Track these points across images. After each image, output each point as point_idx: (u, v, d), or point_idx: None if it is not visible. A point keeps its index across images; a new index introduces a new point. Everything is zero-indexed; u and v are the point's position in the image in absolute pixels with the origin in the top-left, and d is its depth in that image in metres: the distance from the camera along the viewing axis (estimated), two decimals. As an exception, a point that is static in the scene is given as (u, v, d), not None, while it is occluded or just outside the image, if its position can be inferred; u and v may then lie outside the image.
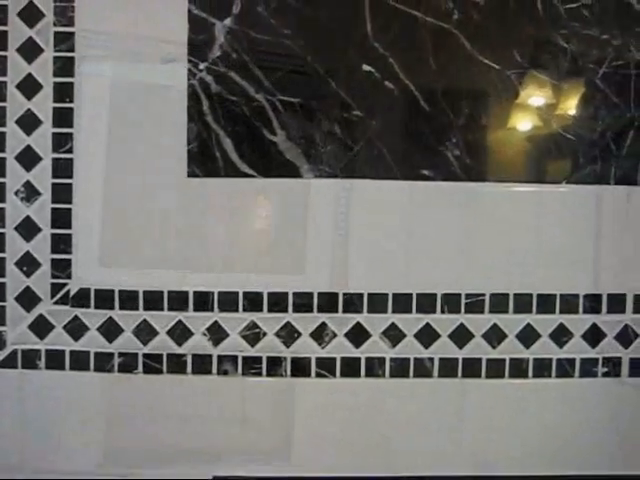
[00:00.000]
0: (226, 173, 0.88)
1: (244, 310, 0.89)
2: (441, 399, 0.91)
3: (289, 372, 0.90)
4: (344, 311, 0.89)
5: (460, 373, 0.90)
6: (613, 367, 0.92)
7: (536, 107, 0.89)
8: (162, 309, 0.88)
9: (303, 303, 0.89)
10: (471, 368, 0.90)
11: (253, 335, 0.89)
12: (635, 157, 0.90)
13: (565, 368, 0.91)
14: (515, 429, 0.92)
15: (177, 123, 0.87)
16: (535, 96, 0.88)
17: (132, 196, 0.87)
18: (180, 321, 0.89)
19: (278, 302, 0.88)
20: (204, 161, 0.88)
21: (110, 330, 0.88)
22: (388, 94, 0.88)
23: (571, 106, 0.89)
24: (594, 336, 0.91)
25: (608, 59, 0.90)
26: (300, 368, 0.90)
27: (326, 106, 0.87)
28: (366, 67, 0.88)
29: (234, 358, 0.89)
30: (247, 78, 0.87)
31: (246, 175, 0.88)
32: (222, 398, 0.90)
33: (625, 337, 0.92)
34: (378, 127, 0.88)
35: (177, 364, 0.89)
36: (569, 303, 0.91)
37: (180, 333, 0.89)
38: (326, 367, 0.89)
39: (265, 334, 0.89)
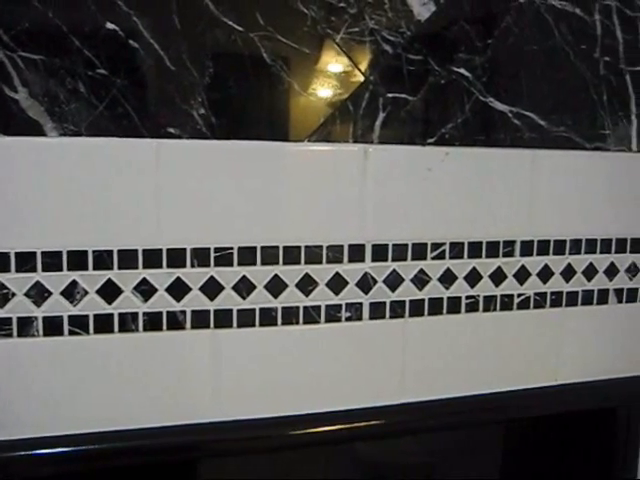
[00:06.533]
0: (-35, 131, 0.91)
1: (-10, 271, 0.93)
2: (194, 350, 1.01)
3: (42, 332, 0.96)
4: (95, 268, 0.96)
5: (212, 324, 1.01)
6: (355, 312, 1.07)
7: (278, 69, 1.00)
8: None
9: (53, 262, 0.95)
10: (223, 319, 1.01)
11: (1, 296, 0.94)
12: (370, 117, 1.04)
13: (312, 314, 1.05)
14: (266, 374, 1.04)
15: None
16: (276, 58, 0.99)
17: None
18: None
19: (26, 262, 0.94)
20: (-59, 118, 0.90)
21: None
22: (133, 53, 0.95)
23: (312, 69, 1.02)
24: (337, 284, 1.06)
25: (345, 25, 1.02)
26: (53, 327, 0.96)
27: (69, 63, 0.93)
28: (110, 25, 0.94)
29: (-18, 321, 0.93)
30: (-15, 32, 0.90)
31: (-14, 133, 0.91)
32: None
33: (365, 284, 1.07)
34: (123, 85, 0.95)
35: None
36: (314, 254, 1.04)
37: None
38: (79, 325, 0.96)
39: (14, 294, 0.94)
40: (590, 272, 1.21)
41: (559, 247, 1.18)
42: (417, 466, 1.46)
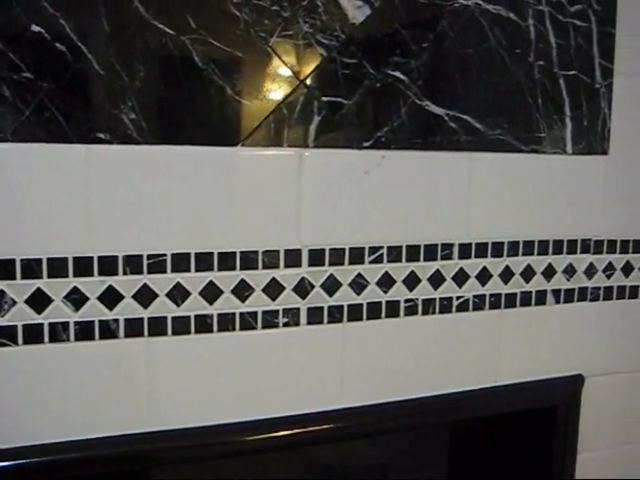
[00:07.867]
0: None
1: None
2: (129, 359, 1.00)
3: (-33, 343, 0.93)
4: (23, 277, 0.94)
5: (147, 332, 1.00)
6: (292, 317, 1.07)
7: (210, 72, 0.99)
8: None
9: (-22, 272, 0.93)
10: (157, 326, 1.01)
11: None
12: (305, 121, 1.05)
13: (248, 321, 1.05)
14: (203, 382, 1.04)
15: None
16: (209, 62, 0.99)
17: None
18: None
19: (-50, 272, 0.92)
20: None
21: None
22: (60, 56, 0.93)
23: (245, 72, 1.01)
24: (274, 290, 1.06)
25: (279, 29, 1.02)
26: (-21, 338, 0.94)
27: (-7, 67, 0.91)
28: (36, 27, 0.92)
29: None
30: None
31: None
32: None
33: (302, 289, 1.07)
34: (50, 90, 0.93)
35: None
36: (249, 260, 1.04)
37: None
38: (7, 336, 0.95)
39: (-62, 306, 0.92)
40: (528, 274, 1.24)
41: (497, 249, 1.20)
42: (369, 468, 1.47)
